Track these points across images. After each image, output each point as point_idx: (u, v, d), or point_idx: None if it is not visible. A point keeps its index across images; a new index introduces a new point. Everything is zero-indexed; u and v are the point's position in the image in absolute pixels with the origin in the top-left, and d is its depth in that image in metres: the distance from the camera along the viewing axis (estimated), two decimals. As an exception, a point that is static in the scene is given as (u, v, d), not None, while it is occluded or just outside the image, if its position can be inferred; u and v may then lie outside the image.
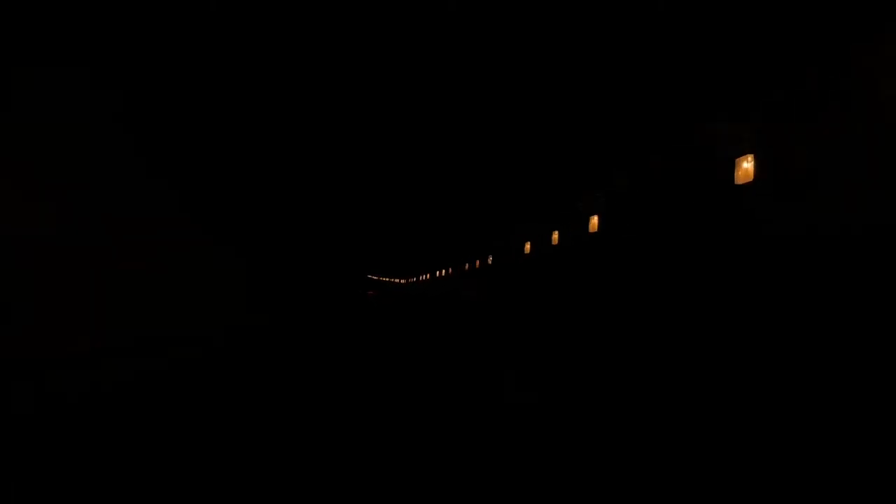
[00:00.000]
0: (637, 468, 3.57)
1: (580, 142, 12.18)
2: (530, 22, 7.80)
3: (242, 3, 7.50)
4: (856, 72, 5.93)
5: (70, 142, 6.68)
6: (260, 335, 11.61)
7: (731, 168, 8.20)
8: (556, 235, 15.99)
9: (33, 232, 6.19)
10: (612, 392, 5.92)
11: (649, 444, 4.08)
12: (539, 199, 16.07)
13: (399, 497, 3.02)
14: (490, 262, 23.98)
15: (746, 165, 7.56)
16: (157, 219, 8.54)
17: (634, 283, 11.45)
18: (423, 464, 3.59)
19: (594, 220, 13.69)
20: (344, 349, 9.36)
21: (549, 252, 16.64)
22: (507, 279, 21.21)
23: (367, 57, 9.58)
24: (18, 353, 6.09)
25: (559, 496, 3.08)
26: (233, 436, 4.09)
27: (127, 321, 8.09)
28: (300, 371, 7.00)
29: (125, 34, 7.20)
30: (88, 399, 5.05)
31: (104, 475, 3.24)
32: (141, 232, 8.09)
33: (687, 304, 9.24)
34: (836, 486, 3.36)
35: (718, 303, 8.35)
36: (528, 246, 18.26)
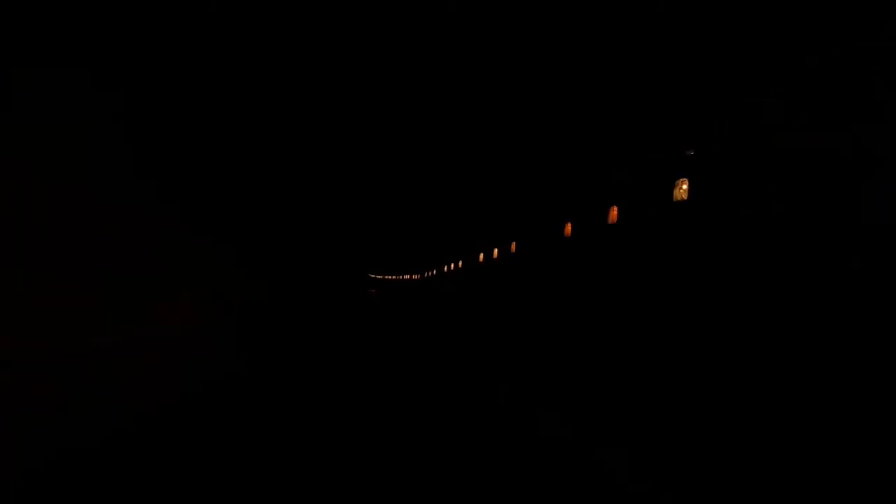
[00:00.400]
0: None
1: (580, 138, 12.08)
2: (529, 22, 7.76)
3: (242, 3, 7.50)
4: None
5: (70, 141, 6.70)
6: (263, 339, 11.61)
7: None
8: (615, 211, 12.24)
9: (33, 231, 6.21)
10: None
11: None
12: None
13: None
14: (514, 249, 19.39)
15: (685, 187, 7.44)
16: (157, 218, 8.57)
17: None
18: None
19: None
20: (343, 341, 9.35)
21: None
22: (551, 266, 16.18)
23: (368, 55, 9.56)
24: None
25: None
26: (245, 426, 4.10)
27: (136, 317, 8.11)
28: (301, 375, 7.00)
29: (125, 34, 7.21)
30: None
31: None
32: (141, 231, 8.11)
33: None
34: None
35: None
36: (615, 212, 12.44)
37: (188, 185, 9.85)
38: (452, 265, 38.36)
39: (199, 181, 10.28)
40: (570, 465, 3.63)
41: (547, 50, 8.84)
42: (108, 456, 3.52)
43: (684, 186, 10.09)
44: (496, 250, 24.43)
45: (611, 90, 9.83)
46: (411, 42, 8.76)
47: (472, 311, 22.18)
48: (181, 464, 3.45)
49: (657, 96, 9.40)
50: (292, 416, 4.66)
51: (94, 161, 7.06)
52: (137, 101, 7.95)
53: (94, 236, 7.07)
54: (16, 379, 5.56)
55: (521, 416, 4.85)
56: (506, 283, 21.42)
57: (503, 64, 9.45)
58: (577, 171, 13.77)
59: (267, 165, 14.10)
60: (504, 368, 7.60)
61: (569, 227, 15.34)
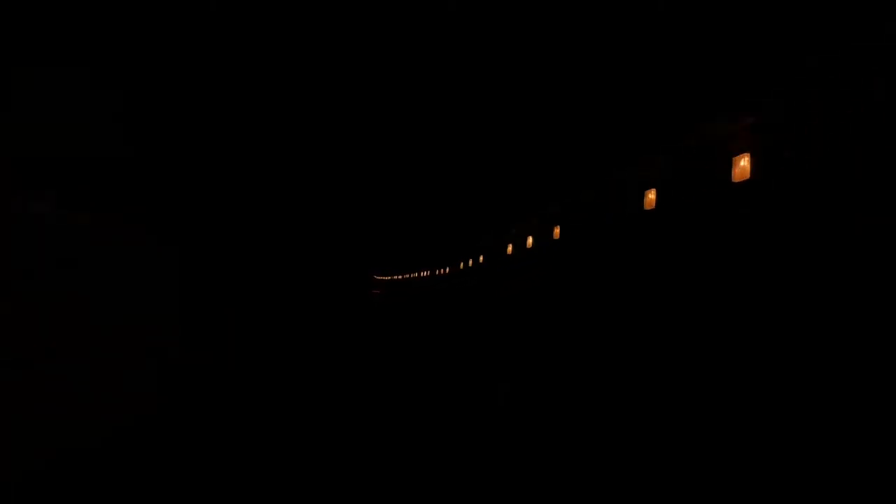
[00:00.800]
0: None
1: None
2: (529, 22, 7.74)
3: (242, 2, 7.52)
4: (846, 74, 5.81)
5: (70, 141, 6.75)
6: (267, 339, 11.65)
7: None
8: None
9: (33, 229, 6.25)
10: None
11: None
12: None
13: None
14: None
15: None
16: (157, 216, 8.61)
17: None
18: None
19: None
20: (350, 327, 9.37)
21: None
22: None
23: (369, 55, 9.56)
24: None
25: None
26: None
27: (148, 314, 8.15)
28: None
29: (125, 34, 7.24)
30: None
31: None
32: (140, 229, 8.15)
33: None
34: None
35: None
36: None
37: (189, 184, 9.88)
38: (453, 266, 38.94)
39: (199, 180, 10.31)
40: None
41: (553, 52, 8.81)
42: None
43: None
44: (495, 252, 24.68)
45: (612, 91, 9.78)
46: (416, 41, 8.76)
47: (472, 307, 22.24)
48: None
49: (658, 96, 9.34)
50: (289, 414, 4.68)
51: (94, 159, 7.09)
52: (138, 102, 7.99)
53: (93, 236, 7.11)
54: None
55: (519, 414, 4.85)
56: (507, 282, 21.63)
57: (508, 64, 9.44)
58: (575, 171, 13.75)
59: (279, 175, 14.12)
60: (505, 367, 7.57)
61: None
